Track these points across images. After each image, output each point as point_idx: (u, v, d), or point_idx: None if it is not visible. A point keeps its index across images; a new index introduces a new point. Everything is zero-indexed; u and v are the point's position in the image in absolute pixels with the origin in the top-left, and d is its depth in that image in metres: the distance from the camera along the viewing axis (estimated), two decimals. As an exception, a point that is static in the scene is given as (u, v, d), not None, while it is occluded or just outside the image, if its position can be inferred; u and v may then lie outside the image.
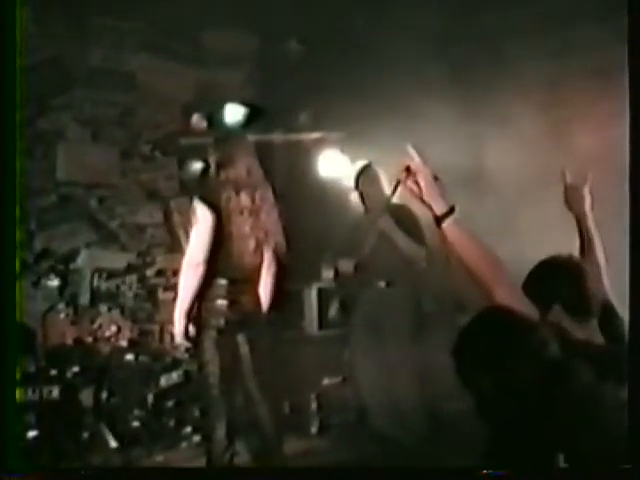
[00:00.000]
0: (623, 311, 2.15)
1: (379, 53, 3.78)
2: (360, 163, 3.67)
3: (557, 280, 2.10)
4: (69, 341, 3.51)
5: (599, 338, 2.03)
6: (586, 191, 2.32)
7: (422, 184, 1.83)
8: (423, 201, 1.83)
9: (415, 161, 1.82)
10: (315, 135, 3.78)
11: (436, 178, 1.85)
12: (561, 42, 3.63)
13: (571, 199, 2.34)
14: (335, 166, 3.82)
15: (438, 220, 1.82)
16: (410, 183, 1.85)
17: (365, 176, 3.63)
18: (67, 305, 3.54)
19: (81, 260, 3.61)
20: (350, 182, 3.66)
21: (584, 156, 3.16)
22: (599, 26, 3.46)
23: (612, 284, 2.22)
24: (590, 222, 2.30)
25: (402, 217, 3.53)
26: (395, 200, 3.50)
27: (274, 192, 3.30)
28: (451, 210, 1.81)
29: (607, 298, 2.17)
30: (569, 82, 3.58)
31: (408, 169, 1.83)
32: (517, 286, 1.85)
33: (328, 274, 3.79)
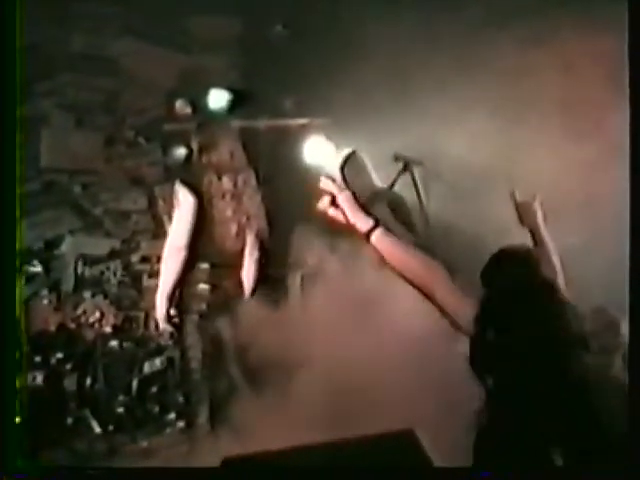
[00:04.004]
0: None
1: (365, 39, 3.76)
2: (345, 151, 3.67)
3: (513, 268, 2.10)
4: (52, 327, 3.50)
5: None
6: (537, 205, 2.37)
7: (344, 207, 1.85)
8: (349, 223, 1.85)
9: (334, 187, 1.84)
10: (300, 121, 3.75)
11: (355, 195, 1.86)
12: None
13: (523, 215, 2.40)
14: (320, 152, 3.80)
15: (366, 236, 1.84)
16: (333, 210, 1.88)
17: (350, 164, 3.63)
18: (50, 291, 3.53)
19: (65, 246, 3.60)
20: (334, 168, 3.65)
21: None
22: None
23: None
24: (544, 232, 2.35)
25: (396, 206, 3.56)
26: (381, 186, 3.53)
27: (257, 177, 3.30)
28: (376, 224, 1.83)
29: (563, 297, 2.17)
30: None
31: (332, 198, 1.86)
32: (455, 285, 1.85)
33: (312, 260, 3.78)
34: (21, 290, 3.42)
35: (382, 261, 1.85)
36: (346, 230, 1.91)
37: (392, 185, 3.70)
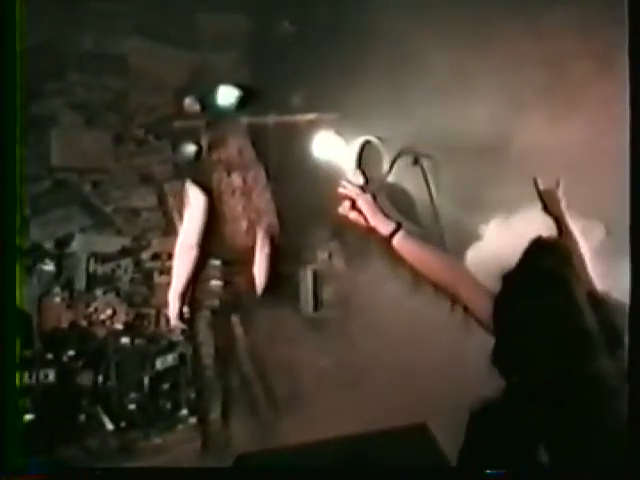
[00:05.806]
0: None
1: (373, 32, 3.76)
2: (360, 139, 3.67)
3: (541, 261, 2.09)
4: (65, 325, 3.52)
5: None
6: (560, 193, 2.37)
7: (364, 210, 1.85)
8: (370, 226, 1.84)
9: (353, 191, 1.84)
10: (309, 116, 3.75)
11: (375, 198, 1.86)
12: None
13: (548, 203, 2.39)
14: (329, 147, 3.79)
15: (388, 240, 1.83)
16: (354, 213, 1.87)
17: (367, 153, 3.63)
18: (62, 289, 3.55)
19: (76, 245, 3.62)
20: (345, 163, 3.64)
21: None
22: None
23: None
24: (568, 221, 2.34)
25: (397, 197, 3.54)
26: (390, 179, 3.52)
27: (267, 173, 3.30)
28: (398, 227, 1.82)
29: (593, 288, 2.16)
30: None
31: (351, 200, 1.84)
32: (479, 281, 1.84)
33: (323, 255, 3.78)
34: (33, 288, 3.44)
35: (405, 264, 1.84)
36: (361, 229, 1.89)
37: (387, 175, 3.69)
